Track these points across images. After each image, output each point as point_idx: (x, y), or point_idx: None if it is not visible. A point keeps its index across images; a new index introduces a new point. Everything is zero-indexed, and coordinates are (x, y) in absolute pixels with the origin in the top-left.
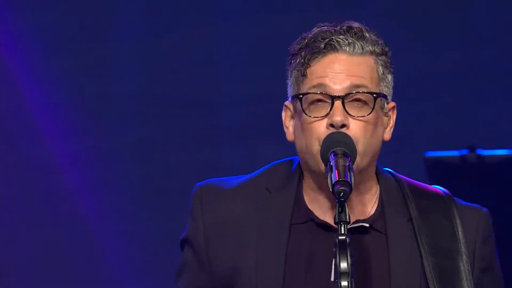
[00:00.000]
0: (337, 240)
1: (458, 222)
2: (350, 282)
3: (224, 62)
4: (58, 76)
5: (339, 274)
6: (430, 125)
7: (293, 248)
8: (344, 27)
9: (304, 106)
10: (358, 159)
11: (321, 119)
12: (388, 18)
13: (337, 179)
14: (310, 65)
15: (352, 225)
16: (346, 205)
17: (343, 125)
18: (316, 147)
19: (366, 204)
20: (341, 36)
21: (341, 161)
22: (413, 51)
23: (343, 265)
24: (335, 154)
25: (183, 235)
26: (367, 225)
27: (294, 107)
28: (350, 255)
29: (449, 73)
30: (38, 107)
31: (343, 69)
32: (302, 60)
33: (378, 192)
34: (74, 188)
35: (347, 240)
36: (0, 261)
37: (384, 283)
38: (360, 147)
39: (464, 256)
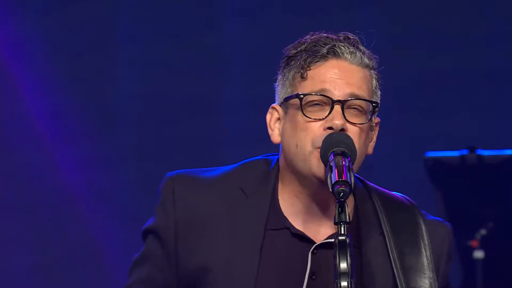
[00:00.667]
0: (337, 241)
1: (425, 237)
2: (350, 282)
3: (228, 65)
4: (60, 80)
5: (339, 274)
6: (430, 125)
7: (267, 253)
8: (342, 37)
9: (303, 106)
10: None
11: (318, 121)
12: (390, 18)
13: (337, 179)
14: (310, 68)
15: (326, 240)
16: (346, 206)
17: (342, 129)
18: (308, 148)
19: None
20: (342, 44)
21: (341, 161)
22: (413, 51)
23: (343, 265)
24: (335, 154)
25: (148, 225)
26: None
27: (286, 109)
28: (350, 255)
29: (449, 73)
30: (40, 110)
31: (344, 76)
32: (303, 63)
33: (353, 204)
34: (76, 192)
35: (347, 240)
36: (2, 264)
37: None
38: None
39: (431, 273)
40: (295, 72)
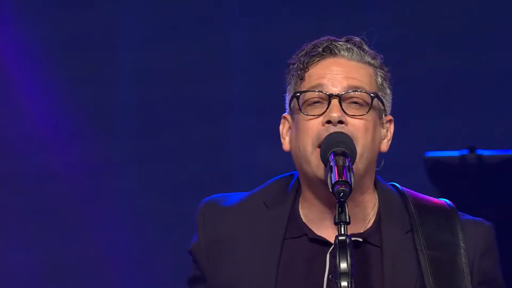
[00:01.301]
0: (337, 241)
1: (460, 235)
2: (350, 282)
3: (233, 69)
4: (60, 82)
5: (339, 274)
6: (430, 125)
7: (285, 262)
8: (344, 38)
9: (301, 105)
10: (356, 161)
11: (317, 117)
12: (392, 19)
13: (337, 179)
14: (308, 69)
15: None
16: (346, 205)
17: (341, 122)
18: (309, 148)
19: (363, 219)
20: (340, 43)
21: (340, 161)
22: (414, 51)
23: (343, 265)
24: (335, 154)
25: (189, 248)
26: (360, 239)
27: (292, 115)
28: (350, 255)
29: (449, 73)
30: (40, 112)
31: (341, 71)
32: (301, 65)
33: (376, 205)
34: (77, 194)
35: (347, 240)
36: (6, 269)
37: None
38: (359, 148)
39: (464, 266)
40: (295, 76)
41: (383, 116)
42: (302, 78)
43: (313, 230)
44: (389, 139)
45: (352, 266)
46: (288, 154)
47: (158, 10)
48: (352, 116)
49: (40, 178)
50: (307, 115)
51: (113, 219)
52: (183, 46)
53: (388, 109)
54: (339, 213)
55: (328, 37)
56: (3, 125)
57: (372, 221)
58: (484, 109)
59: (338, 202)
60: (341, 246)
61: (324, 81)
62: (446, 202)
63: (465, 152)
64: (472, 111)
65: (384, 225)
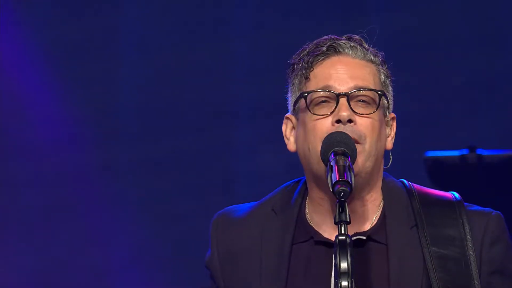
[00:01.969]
0: (337, 240)
1: (466, 226)
2: (350, 282)
3: (237, 74)
4: (63, 87)
5: (339, 274)
6: (430, 125)
7: (294, 267)
8: (344, 36)
9: (309, 105)
10: (363, 159)
11: (326, 117)
12: (392, 19)
13: (337, 179)
14: (313, 68)
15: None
16: (347, 205)
17: (350, 121)
18: (319, 148)
19: (369, 217)
20: (343, 41)
21: (341, 161)
22: (414, 51)
23: (343, 265)
24: (335, 154)
25: (205, 262)
26: (364, 237)
27: (297, 115)
28: (350, 255)
29: (449, 73)
30: (42, 117)
31: (346, 71)
32: (305, 65)
33: (381, 203)
34: (79, 198)
35: (347, 240)
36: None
37: None
38: (367, 146)
39: (471, 259)
40: (299, 76)
41: (387, 114)
42: (307, 78)
43: (320, 232)
44: (393, 137)
45: (352, 266)
46: (292, 157)
47: (159, 12)
48: (361, 115)
49: (40, 180)
50: (315, 114)
51: (115, 222)
52: (186, 50)
53: (391, 107)
54: (339, 213)
55: (330, 36)
56: (3, 126)
57: (377, 219)
58: (485, 109)
59: (338, 201)
60: (341, 246)
61: (331, 80)
62: (453, 194)
63: (465, 152)
64: (473, 111)
65: (389, 222)
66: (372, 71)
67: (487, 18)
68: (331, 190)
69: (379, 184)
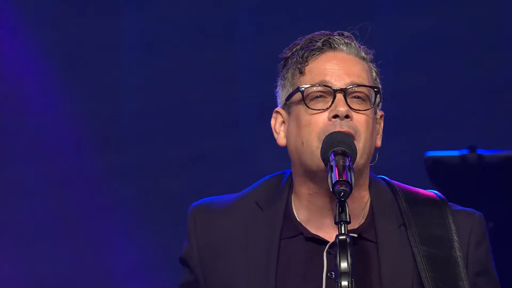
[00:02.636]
0: (337, 240)
1: (452, 226)
2: (350, 282)
3: (240, 78)
4: (65, 91)
5: (340, 274)
6: (430, 125)
7: (284, 263)
8: (336, 32)
9: (305, 99)
10: (357, 156)
11: (322, 112)
12: (392, 19)
13: (337, 178)
14: (308, 63)
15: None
16: (347, 205)
17: (347, 116)
18: (315, 144)
19: (358, 214)
20: (337, 37)
21: (341, 161)
22: (414, 51)
23: (343, 265)
24: (335, 154)
25: (180, 254)
26: (355, 235)
27: (289, 109)
28: (350, 254)
29: (449, 73)
30: (44, 121)
31: (342, 67)
32: (300, 59)
33: (369, 201)
34: (81, 204)
35: (348, 240)
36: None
37: None
38: (361, 143)
39: (459, 259)
40: (293, 70)
41: (377, 111)
42: (302, 72)
43: (308, 228)
44: (381, 135)
45: (352, 265)
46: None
47: (159, 12)
48: (357, 111)
49: (41, 184)
50: (311, 109)
51: (116, 224)
52: (186, 51)
53: (381, 105)
54: (340, 213)
55: (323, 31)
56: (3, 129)
57: (365, 216)
58: (485, 109)
59: (338, 201)
60: (341, 246)
61: (327, 77)
62: (435, 193)
63: (465, 152)
64: (473, 111)
65: (378, 220)
66: (364, 68)
67: (487, 18)
68: (331, 189)
69: (367, 181)
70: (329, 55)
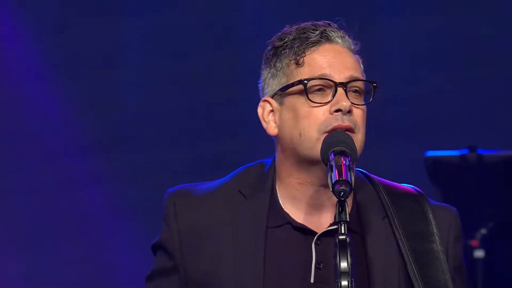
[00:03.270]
0: (337, 240)
1: (432, 221)
2: (350, 282)
3: (242, 82)
4: (67, 94)
5: (339, 274)
6: (430, 125)
7: (271, 251)
8: (324, 22)
9: (308, 91)
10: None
11: (322, 105)
12: (392, 20)
13: (337, 178)
14: (305, 54)
15: (328, 228)
16: (347, 205)
17: (349, 112)
18: (315, 135)
19: None
20: (332, 29)
21: (341, 160)
22: (414, 51)
23: (343, 264)
24: (335, 153)
25: (155, 240)
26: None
27: (282, 99)
28: (350, 254)
29: (449, 74)
30: (46, 124)
31: (340, 60)
32: (296, 49)
33: (352, 192)
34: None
35: (347, 239)
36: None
37: (363, 282)
38: (359, 137)
39: (441, 253)
40: (288, 60)
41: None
42: (298, 63)
43: (294, 218)
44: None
45: (352, 265)
46: None
47: (160, 13)
48: (357, 105)
49: (41, 184)
50: (313, 102)
51: (117, 225)
52: (187, 52)
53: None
54: (339, 212)
55: (313, 22)
56: (3, 129)
57: (349, 209)
58: (485, 109)
59: (338, 201)
60: (341, 246)
61: (327, 68)
62: (413, 188)
63: (465, 151)
64: (473, 110)
65: (362, 212)
66: (357, 60)
67: (487, 18)
68: (331, 189)
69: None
70: (326, 47)
